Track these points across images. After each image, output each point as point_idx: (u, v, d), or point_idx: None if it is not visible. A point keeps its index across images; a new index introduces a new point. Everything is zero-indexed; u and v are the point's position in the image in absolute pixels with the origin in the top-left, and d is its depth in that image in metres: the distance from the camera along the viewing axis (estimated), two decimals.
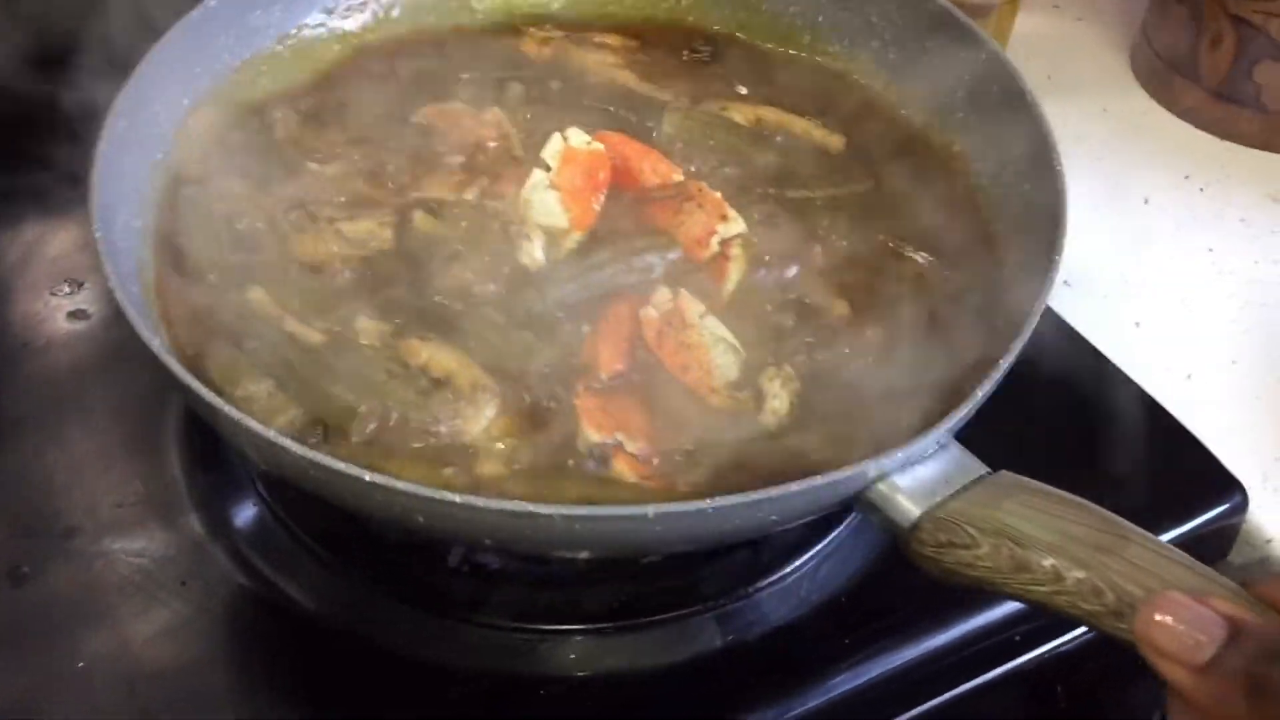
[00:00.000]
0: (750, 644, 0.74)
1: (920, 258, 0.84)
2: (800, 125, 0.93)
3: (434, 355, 0.74)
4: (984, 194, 0.87)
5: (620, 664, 0.75)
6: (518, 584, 0.76)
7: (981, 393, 0.66)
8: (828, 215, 0.86)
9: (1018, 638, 0.76)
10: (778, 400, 0.73)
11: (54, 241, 0.98)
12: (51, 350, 0.89)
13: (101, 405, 0.85)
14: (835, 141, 0.93)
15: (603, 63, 0.97)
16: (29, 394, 0.86)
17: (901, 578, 0.74)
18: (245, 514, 0.79)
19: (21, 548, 0.76)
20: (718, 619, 0.75)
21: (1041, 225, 0.77)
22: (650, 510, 0.59)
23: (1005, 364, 0.67)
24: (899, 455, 0.63)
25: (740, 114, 0.94)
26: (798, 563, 0.77)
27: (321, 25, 0.95)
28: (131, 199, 0.77)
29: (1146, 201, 1.08)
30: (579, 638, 0.74)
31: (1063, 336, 0.92)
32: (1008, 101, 0.86)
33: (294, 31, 0.93)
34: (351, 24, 0.97)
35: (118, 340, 0.87)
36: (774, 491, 0.60)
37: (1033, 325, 0.69)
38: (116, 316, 0.71)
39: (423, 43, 0.98)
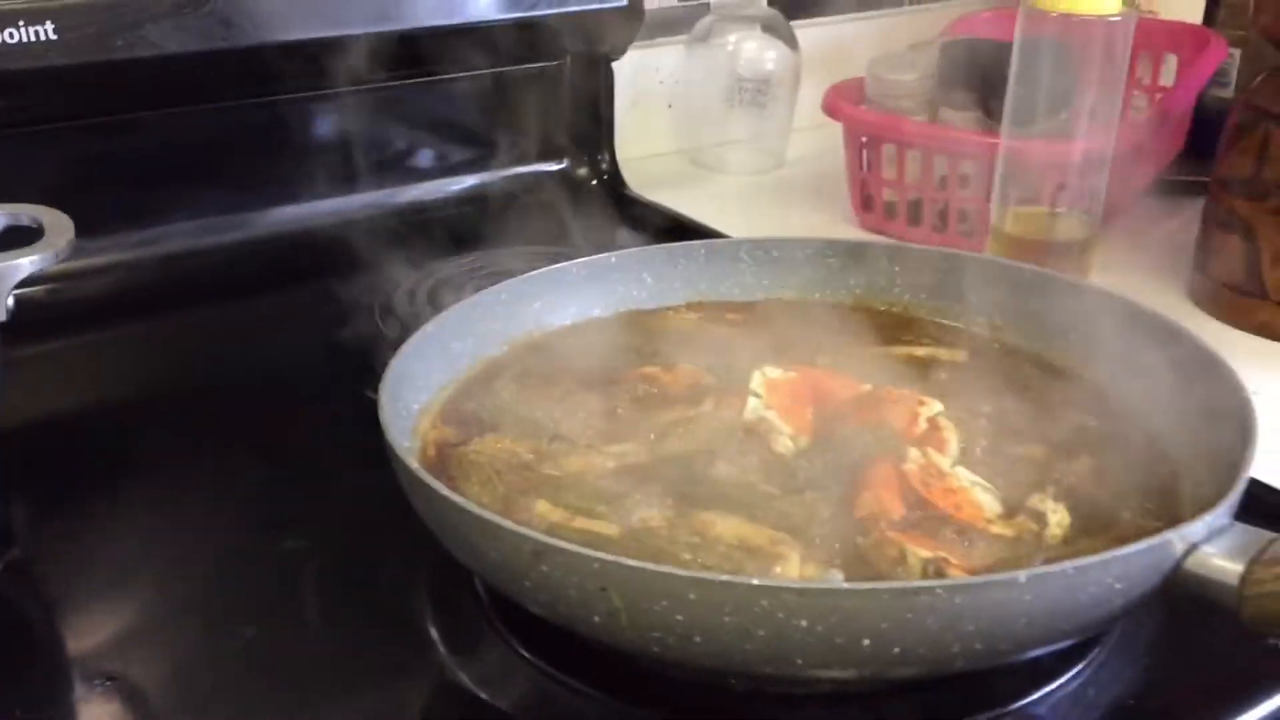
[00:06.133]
0: None
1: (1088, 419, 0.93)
2: (922, 351, 1.04)
3: (726, 524, 0.78)
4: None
5: None
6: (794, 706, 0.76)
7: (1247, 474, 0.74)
8: (987, 401, 0.94)
9: None
10: (1057, 514, 0.80)
11: None
12: None
13: None
14: (958, 355, 1.03)
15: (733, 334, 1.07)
16: None
17: (1186, 676, 0.78)
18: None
19: None
20: None
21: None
22: (1022, 575, 0.63)
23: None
24: (1207, 519, 0.69)
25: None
26: (1079, 667, 0.78)
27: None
28: None
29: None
30: None
31: None
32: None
33: (483, 355, 1.02)
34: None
35: None
36: (1121, 551, 0.65)
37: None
38: None
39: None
